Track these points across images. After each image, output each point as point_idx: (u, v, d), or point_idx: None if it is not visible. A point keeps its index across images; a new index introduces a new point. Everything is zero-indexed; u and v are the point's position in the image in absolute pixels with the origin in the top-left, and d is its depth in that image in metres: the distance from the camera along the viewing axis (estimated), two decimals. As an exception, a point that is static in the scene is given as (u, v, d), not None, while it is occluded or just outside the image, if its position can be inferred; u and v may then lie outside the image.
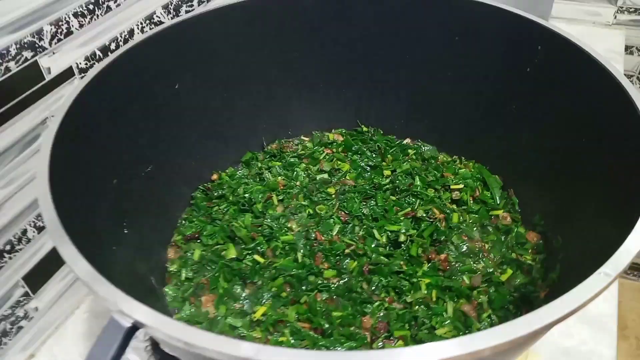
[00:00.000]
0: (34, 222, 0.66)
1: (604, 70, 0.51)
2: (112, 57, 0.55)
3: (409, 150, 0.79)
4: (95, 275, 0.34)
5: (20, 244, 0.64)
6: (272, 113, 0.79)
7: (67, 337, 0.71)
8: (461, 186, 0.71)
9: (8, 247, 0.63)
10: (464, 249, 0.64)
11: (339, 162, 0.77)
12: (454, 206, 0.70)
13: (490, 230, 0.67)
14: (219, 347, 0.29)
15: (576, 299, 0.31)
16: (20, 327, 0.67)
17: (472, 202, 0.70)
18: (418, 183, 0.72)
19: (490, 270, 0.62)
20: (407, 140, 0.81)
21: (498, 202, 0.69)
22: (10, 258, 0.63)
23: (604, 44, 1.30)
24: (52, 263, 0.69)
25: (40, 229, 0.67)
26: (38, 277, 0.68)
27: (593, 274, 0.32)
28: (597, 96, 0.52)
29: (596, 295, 0.32)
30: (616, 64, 1.22)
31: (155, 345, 0.58)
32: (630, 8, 1.32)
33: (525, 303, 0.58)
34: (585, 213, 0.52)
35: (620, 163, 0.47)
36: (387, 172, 0.75)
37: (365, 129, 0.83)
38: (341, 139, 0.82)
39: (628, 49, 1.37)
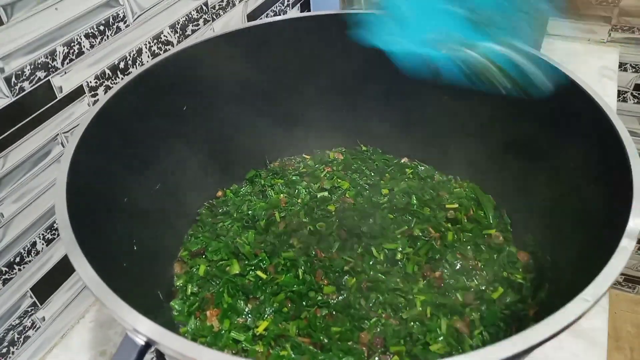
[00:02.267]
0: (43, 234, 0.68)
1: (589, 99, 0.53)
2: (124, 81, 0.57)
3: (407, 170, 0.81)
4: (112, 295, 0.36)
5: (29, 256, 0.66)
6: (275, 132, 0.81)
7: (73, 346, 0.73)
8: (456, 205, 0.73)
9: (18, 259, 0.65)
10: (457, 267, 0.66)
11: (339, 180, 0.79)
12: (449, 225, 0.72)
13: (483, 249, 0.69)
14: (226, 364, 0.31)
15: (557, 323, 0.34)
16: (28, 337, 0.69)
17: (466, 221, 0.72)
18: (414, 202, 0.74)
19: (483, 288, 0.64)
20: (405, 159, 0.84)
21: (491, 222, 0.72)
22: (19, 270, 0.65)
23: (599, 61, 1.32)
24: (59, 274, 0.71)
25: (48, 242, 0.69)
26: (45, 288, 0.70)
27: (573, 299, 0.34)
28: (582, 123, 0.55)
29: (576, 319, 0.34)
30: (610, 81, 1.25)
31: (160, 358, 0.60)
32: (625, 26, 1.35)
33: (515, 320, 0.60)
34: (573, 237, 0.54)
35: (602, 192, 0.49)
36: (385, 191, 0.77)
37: (364, 148, 0.85)
38: (341, 157, 0.84)
39: (622, 66, 1.40)
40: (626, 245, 0.39)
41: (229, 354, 0.31)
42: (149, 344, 0.34)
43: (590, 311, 0.72)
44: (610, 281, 0.36)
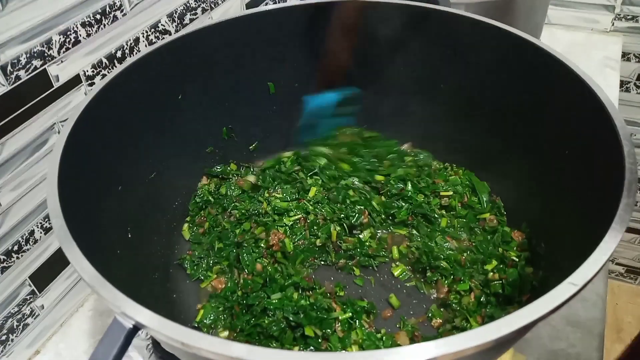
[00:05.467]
0: (41, 223, 0.68)
1: (583, 83, 0.53)
2: (118, 69, 0.57)
3: (406, 158, 0.81)
4: (100, 278, 0.36)
5: (27, 244, 0.67)
6: (273, 121, 0.81)
7: (72, 334, 0.74)
8: (450, 193, 0.73)
9: (16, 248, 0.65)
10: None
11: (339, 162, 0.79)
12: (443, 211, 0.72)
13: (478, 232, 0.70)
14: (213, 347, 0.31)
15: (545, 305, 0.33)
16: (27, 325, 0.69)
17: (460, 207, 0.73)
18: (409, 188, 0.74)
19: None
20: (406, 146, 0.83)
21: (485, 206, 0.72)
22: (17, 258, 0.66)
23: (602, 51, 1.31)
24: (57, 262, 0.72)
25: (47, 230, 0.69)
26: (44, 276, 0.70)
27: (560, 283, 0.34)
28: (578, 110, 0.54)
29: (563, 303, 0.34)
30: (612, 70, 1.24)
31: (156, 343, 0.61)
32: (628, 15, 1.33)
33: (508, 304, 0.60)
34: (566, 224, 0.54)
35: (595, 178, 0.49)
36: (379, 177, 0.77)
37: (369, 134, 0.84)
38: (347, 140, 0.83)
39: (625, 56, 1.38)
40: (616, 230, 0.39)
41: (214, 337, 0.31)
42: (136, 328, 0.34)
43: (587, 301, 0.72)
44: (598, 266, 0.35)
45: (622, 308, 1.86)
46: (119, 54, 0.73)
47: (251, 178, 0.80)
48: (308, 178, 0.78)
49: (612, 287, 1.88)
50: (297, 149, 0.83)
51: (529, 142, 0.64)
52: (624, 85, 1.44)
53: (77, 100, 0.68)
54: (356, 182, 0.76)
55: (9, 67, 0.59)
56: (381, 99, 0.81)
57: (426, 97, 0.77)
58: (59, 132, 0.67)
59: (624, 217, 0.40)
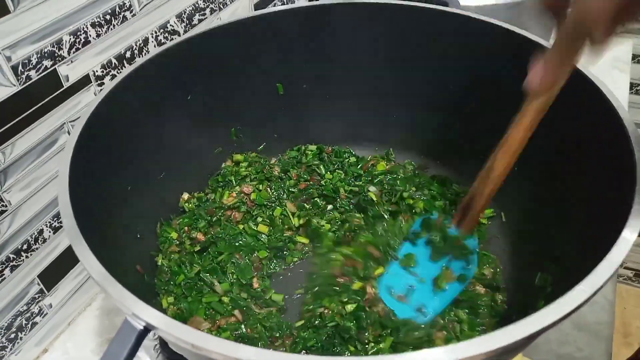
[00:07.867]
0: (49, 222, 0.68)
1: (593, 86, 0.52)
2: (128, 69, 0.57)
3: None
4: (112, 280, 0.36)
5: (36, 243, 0.67)
6: (281, 122, 0.82)
7: (79, 332, 0.74)
8: None
9: (25, 247, 0.65)
10: None
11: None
12: None
13: None
14: (222, 349, 0.31)
15: (554, 313, 0.33)
16: (35, 323, 0.70)
17: None
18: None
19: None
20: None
21: None
22: (27, 257, 0.66)
23: (611, 53, 1.29)
24: (66, 262, 0.72)
25: (55, 229, 0.69)
26: (53, 275, 0.71)
27: (572, 289, 0.34)
28: (588, 114, 0.54)
29: (575, 309, 0.34)
30: (622, 73, 1.23)
31: (163, 343, 0.61)
32: (639, 17, 1.32)
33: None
34: (576, 230, 0.54)
35: (606, 184, 0.49)
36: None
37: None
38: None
39: (635, 58, 1.37)
40: (627, 236, 0.38)
41: (224, 339, 0.31)
42: (147, 329, 0.34)
43: (595, 305, 0.72)
44: (609, 272, 0.35)
45: (630, 312, 1.85)
46: (128, 55, 0.73)
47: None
48: (328, 173, 0.79)
49: (620, 291, 1.87)
50: (320, 144, 0.84)
51: (536, 146, 0.64)
52: (633, 87, 1.43)
53: (87, 100, 0.69)
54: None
55: (20, 67, 0.59)
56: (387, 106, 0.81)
57: (436, 101, 0.77)
58: (68, 132, 0.67)
59: (635, 222, 0.39)
